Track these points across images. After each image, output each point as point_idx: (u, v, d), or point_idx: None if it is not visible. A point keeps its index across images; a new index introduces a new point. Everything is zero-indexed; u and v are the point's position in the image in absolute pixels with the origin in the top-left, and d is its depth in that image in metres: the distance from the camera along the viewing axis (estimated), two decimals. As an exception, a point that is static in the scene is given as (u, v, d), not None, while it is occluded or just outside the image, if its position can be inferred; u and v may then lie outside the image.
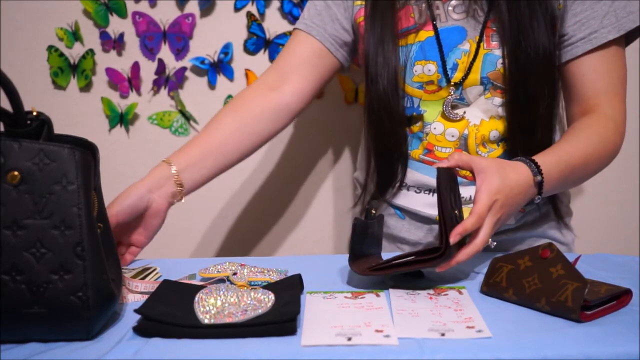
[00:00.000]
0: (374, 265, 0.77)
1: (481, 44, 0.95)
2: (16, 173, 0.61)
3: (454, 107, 0.98)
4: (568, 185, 0.97)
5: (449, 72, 0.97)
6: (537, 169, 0.83)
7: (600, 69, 0.95)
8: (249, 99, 1.05)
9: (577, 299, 0.65)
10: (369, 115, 1.02)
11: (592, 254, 0.92)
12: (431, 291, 0.76)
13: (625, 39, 0.97)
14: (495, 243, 0.80)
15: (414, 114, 1.00)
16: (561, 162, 0.87)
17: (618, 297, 0.70)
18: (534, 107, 0.94)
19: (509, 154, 0.97)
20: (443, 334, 0.62)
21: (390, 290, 0.76)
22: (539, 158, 0.85)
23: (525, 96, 0.93)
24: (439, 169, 0.79)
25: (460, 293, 0.75)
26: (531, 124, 0.95)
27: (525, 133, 0.95)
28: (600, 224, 1.55)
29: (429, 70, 0.97)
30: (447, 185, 0.79)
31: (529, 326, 0.65)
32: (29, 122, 0.63)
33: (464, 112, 0.97)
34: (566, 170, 0.88)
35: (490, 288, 0.75)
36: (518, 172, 0.82)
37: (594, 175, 0.96)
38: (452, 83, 0.96)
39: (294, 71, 1.05)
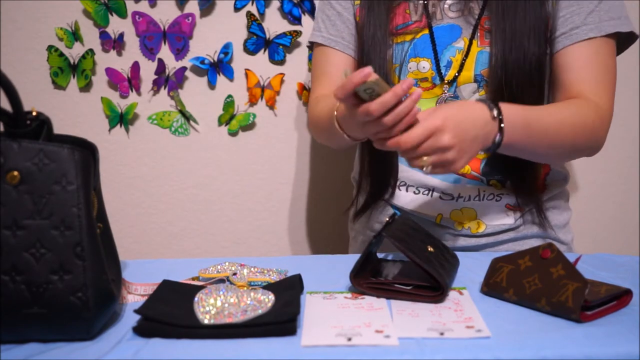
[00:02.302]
0: (373, 282, 0.77)
1: (474, 42, 0.96)
2: (16, 173, 0.61)
3: None
4: (536, 142, 0.89)
5: (443, 70, 0.97)
6: (494, 106, 0.83)
7: (584, 59, 0.93)
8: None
9: (577, 299, 0.65)
10: None
11: (592, 254, 0.92)
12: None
13: (618, 47, 0.96)
14: (429, 168, 0.78)
15: None
16: (528, 112, 0.87)
17: (618, 298, 0.70)
18: None
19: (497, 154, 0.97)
20: (442, 334, 0.62)
21: (391, 290, 0.76)
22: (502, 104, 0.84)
23: (509, 100, 0.92)
24: (385, 233, 0.79)
25: (461, 294, 0.75)
26: None
27: None
28: (600, 224, 1.55)
29: (424, 67, 0.98)
30: (403, 234, 0.80)
31: (529, 326, 0.65)
32: (28, 122, 0.63)
33: None
34: (533, 122, 0.86)
35: (491, 288, 0.75)
36: (471, 106, 0.83)
37: (570, 151, 0.94)
38: (446, 81, 0.97)
39: None
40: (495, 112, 0.83)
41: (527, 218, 1.01)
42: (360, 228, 1.15)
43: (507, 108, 0.84)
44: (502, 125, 0.83)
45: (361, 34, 1.01)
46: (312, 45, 1.13)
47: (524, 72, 0.92)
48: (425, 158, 0.77)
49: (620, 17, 0.93)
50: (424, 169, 0.78)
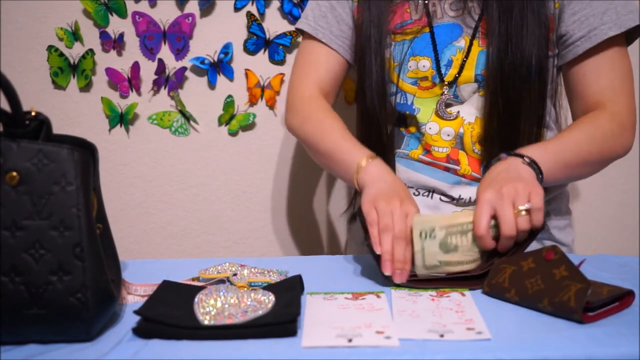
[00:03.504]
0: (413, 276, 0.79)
1: (475, 42, 0.95)
2: (15, 174, 0.60)
3: (447, 105, 0.98)
4: (569, 168, 0.90)
5: (444, 69, 0.97)
6: (514, 152, 0.85)
7: (601, 67, 0.93)
8: (333, 111, 1.04)
9: (579, 299, 0.65)
10: (358, 114, 1.03)
11: (593, 254, 0.92)
12: (433, 292, 0.75)
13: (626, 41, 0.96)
14: (527, 204, 0.76)
15: (407, 112, 1.00)
16: (549, 145, 0.88)
17: (620, 299, 0.70)
18: (516, 114, 0.93)
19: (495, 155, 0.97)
20: (442, 335, 0.62)
21: (392, 290, 0.76)
22: (522, 149, 0.86)
23: (507, 103, 0.92)
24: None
25: (463, 295, 0.75)
26: (513, 131, 0.94)
27: (506, 140, 0.94)
28: (600, 225, 1.55)
29: (424, 66, 0.97)
30: None
31: (531, 327, 0.65)
32: (27, 122, 0.63)
33: (458, 112, 0.97)
34: (560, 148, 0.87)
35: (492, 288, 0.74)
36: (499, 163, 0.85)
37: (599, 162, 0.93)
38: (446, 82, 0.97)
39: (330, 89, 1.08)
40: (525, 159, 0.84)
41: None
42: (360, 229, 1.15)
43: (530, 151, 0.85)
44: (537, 165, 0.84)
45: (360, 32, 1.00)
46: (299, 34, 1.12)
47: (522, 75, 0.91)
48: (519, 207, 0.76)
49: (635, 10, 0.92)
50: (525, 210, 0.76)
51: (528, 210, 0.76)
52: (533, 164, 0.83)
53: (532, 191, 0.77)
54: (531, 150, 0.86)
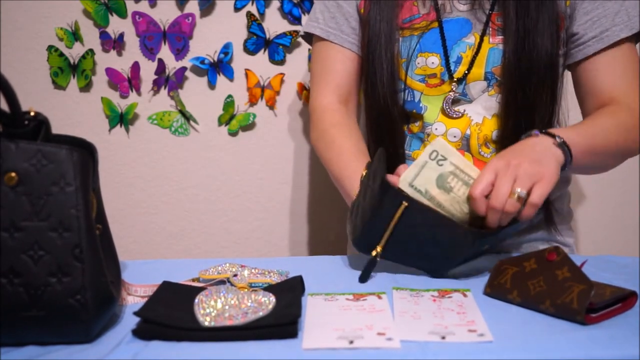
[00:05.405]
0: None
1: (485, 38, 0.94)
2: (13, 174, 0.60)
3: (455, 102, 0.97)
4: (596, 155, 0.88)
5: (453, 66, 0.95)
6: (546, 131, 0.82)
7: (613, 65, 0.93)
8: (348, 124, 1.04)
9: (582, 301, 0.65)
10: (367, 111, 1.01)
11: (595, 255, 0.91)
12: (435, 293, 0.75)
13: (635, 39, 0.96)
14: (524, 192, 0.74)
15: (414, 110, 0.99)
16: (581, 128, 0.86)
17: (623, 300, 0.69)
18: (531, 112, 0.92)
19: None
20: (444, 337, 0.62)
21: (394, 291, 0.76)
22: (555, 129, 0.83)
23: (523, 100, 0.92)
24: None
25: (465, 296, 0.74)
26: (527, 129, 0.94)
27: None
28: (600, 225, 1.55)
29: (432, 62, 0.96)
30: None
31: (533, 329, 0.64)
32: (26, 122, 0.62)
33: (464, 110, 0.96)
34: (587, 135, 0.85)
35: (494, 290, 0.74)
36: (528, 139, 0.82)
37: (619, 159, 0.93)
38: (455, 79, 0.95)
39: (351, 92, 1.06)
40: (557, 139, 0.81)
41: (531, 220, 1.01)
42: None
43: (563, 132, 0.83)
44: (569, 147, 0.81)
45: (366, 27, 0.98)
46: (306, 36, 1.10)
47: (538, 73, 0.91)
48: (516, 190, 0.74)
49: None
50: (518, 196, 0.74)
51: (523, 199, 0.74)
52: (564, 145, 0.80)
53: (539, 182, 0.75)
54: (563, 132, 0.82)
